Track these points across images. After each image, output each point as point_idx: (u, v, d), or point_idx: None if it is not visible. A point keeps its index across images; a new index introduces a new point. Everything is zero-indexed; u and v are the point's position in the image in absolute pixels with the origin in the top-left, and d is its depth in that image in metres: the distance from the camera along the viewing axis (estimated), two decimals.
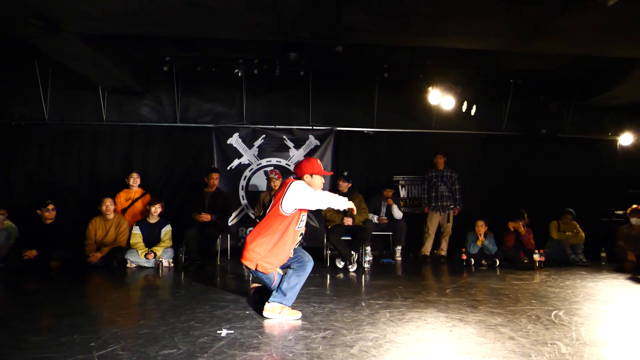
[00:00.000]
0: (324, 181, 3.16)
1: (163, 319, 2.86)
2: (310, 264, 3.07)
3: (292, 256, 3.07)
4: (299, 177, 3.10)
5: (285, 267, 3.07)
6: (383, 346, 2.39)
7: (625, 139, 6.58)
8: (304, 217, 3.10)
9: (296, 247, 3.13)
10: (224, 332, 2.56)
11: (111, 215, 5.17)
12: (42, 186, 6.12)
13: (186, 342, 2.39)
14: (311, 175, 3.08)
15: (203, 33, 4.17)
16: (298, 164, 3.17)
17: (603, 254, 5.69)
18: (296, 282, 2.98)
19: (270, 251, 2.96)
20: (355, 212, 3.13)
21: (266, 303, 2.92)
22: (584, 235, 5.78)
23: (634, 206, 5.44)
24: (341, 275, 4.70)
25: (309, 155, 6.52)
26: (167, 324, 2.73)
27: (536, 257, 5.23)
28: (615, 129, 6.78)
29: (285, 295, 2.93)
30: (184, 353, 2.22)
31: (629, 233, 5.43)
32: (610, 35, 3.94)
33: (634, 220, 5.39)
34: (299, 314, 2.92)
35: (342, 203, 2.99)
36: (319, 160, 3.20)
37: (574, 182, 6.84)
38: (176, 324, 2.72)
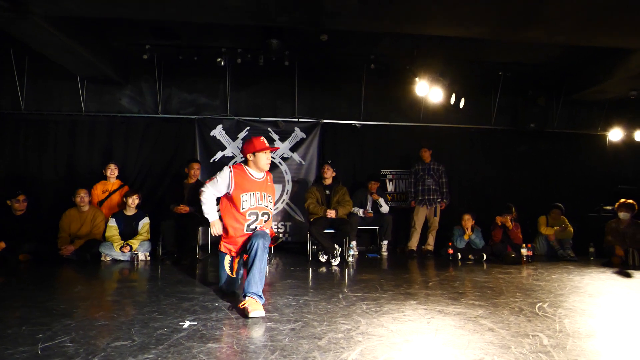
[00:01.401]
0: (269, 157, 3.08)
1: (124, 310, 2.69)
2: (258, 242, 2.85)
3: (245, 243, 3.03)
4: (246, 158, 3.12)
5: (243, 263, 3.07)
6: (354, 338, 2.25)
7: (614, 134, 6.52)
8: (246, 196, 2.99)
9: (251, 231, 3.02)
10: (186, 324, 2.40)
11: (86, 207, 4.99)
12: (17, 178, 5.93)
13: (143, 333, 2.23)
14: (253, 153, 3.04)
15: (178, 16, 3.99)
16: (242, 146, 3.23)
17: (591, 249, 5.61)
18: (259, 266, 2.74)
19: (223, 229, 3.10)
20: (216, 233, 3.10)
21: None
22: (572, 230, 5.71)
23: (622, 200, 5.36)
24: (324, 269, 4.54)
25: (295, 148, 6.38)
26: (127, 315, 2.57)
27: (524, 251, 5.13)
28: (604, 124, 6.73)
29: (252, 284, 2.70)
30: (137, 345, 2.06)
31: (617, 228, 5.34)
32: (596, 23, 3.83)
33: (621, 215, 5.30)
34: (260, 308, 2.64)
35: (209, 214, 3.08)
36: (261, 138, 3.08)
37: (563, 177, 6.77)
38: (137, 316, 2.55)
